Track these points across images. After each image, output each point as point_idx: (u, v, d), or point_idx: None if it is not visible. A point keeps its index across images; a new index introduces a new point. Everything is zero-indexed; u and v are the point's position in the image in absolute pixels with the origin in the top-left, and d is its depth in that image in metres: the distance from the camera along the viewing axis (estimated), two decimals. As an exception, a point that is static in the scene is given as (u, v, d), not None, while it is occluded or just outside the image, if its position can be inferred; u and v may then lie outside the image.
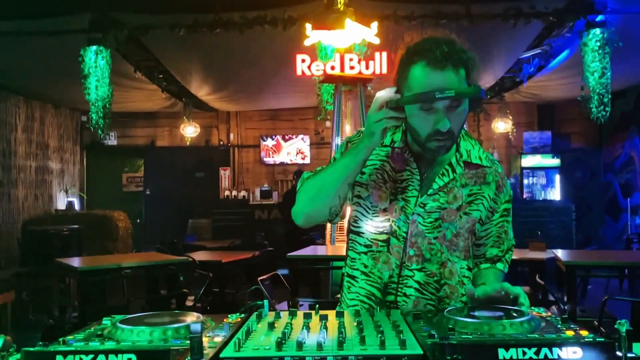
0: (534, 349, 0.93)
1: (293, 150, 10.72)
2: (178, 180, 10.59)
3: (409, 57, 1.42)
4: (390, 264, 1.53)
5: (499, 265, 1.60)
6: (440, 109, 1.38)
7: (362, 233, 1.58)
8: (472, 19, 5.57)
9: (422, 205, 1.52)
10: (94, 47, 5.77)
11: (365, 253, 1.57)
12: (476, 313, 1.19)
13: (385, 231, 1.54)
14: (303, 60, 5.95)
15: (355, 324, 1.16)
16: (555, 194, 9.51)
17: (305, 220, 1.57)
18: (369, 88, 6.65)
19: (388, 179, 1.55)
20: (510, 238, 1.63)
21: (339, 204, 1.52)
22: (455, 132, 1.43)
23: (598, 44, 5.59)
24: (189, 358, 0.93)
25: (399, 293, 1.52)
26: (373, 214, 1.55)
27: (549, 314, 1.25)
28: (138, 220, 10.24)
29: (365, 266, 1.56)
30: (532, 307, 1.29)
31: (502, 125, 9.79)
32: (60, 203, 9.79)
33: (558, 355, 0.93)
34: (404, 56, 1.44)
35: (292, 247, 5.43)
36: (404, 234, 1.52)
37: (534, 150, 9.80)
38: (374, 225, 1.56)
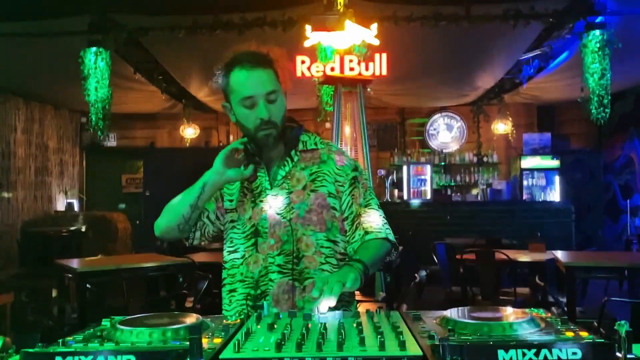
0: (533, 350, 0.93)
1: (292, 151, 10.68)
2: (178, 181, 10.54)
3: (226, 67, 1.66)
4: (258, 262, 1.66)
5: (381, 234, 1.68)
6: (259, 103, 1.62)
7: (238, 248, 1.71)
8: (471, 20, 5.56)
9: (273, 195, 1.69)
10: (94, 49, 5.76)
11: (242, 264, 1.69)
12: (476, 314, 1.19)
13: (252, 235, 1.68)
14: (303, 62, 5.95)
15: (354, 325, 1.16)
16: (554, 195, 9.50)
17: (160, 233, 1.76)
18: (368, 89, 6.65)
19: (247, 191, 1.74)
20: (371, 198, 1.75)
21: (185, 224, 1.71)
22: (277, 122, 1.66)
23: (598, 45, 5.58)
24: (188, 359, 0.93)
25: (266, 282, 1.64)
26: (243, 227, 1.70)
27: (549, 315, 1.25)
28: (137, 222, 10.22)
29: (242, 274, 1.68)
30: (532, 309, 1.29)
31: (501, 127, 9.79)
32: (60, 204, 9.78)
33: (558, 356, 0.93)
34: (223, 70, 1.67)
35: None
36: (266, 229, 1.68)
37: (534, 152, 9.79)
38: (245, 236, 1.70)
